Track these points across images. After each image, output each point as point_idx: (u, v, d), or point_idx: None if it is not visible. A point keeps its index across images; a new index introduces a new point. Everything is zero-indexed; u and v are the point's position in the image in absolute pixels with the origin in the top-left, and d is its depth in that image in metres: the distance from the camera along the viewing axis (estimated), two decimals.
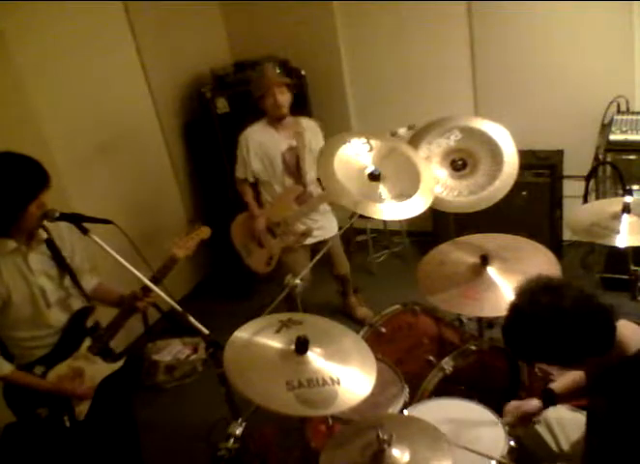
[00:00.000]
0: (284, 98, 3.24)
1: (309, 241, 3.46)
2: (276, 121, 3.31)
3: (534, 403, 2.01)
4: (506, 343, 1.59)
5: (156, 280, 2.10)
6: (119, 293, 2.35)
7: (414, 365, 2.49)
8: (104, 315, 2.37)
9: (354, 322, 3.79)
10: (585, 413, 1.96)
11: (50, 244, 2.17)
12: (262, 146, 3.32)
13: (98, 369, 2.24)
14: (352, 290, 3.94)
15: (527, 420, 2.01)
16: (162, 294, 1.96)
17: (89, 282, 2.35)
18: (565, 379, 2.04)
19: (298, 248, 3.45)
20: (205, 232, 2.40)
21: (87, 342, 2.24)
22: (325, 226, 3.51)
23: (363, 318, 3.79)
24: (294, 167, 3.35)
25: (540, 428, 2.01)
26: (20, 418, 2.19)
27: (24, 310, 2.11)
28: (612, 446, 1.59)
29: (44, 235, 2.16)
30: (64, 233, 2.23)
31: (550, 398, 2.00)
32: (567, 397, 2.02)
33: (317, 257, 2.60)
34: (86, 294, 2.29)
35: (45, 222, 2.09)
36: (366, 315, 3.81)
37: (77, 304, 2.28)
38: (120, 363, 2.31)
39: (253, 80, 3.39)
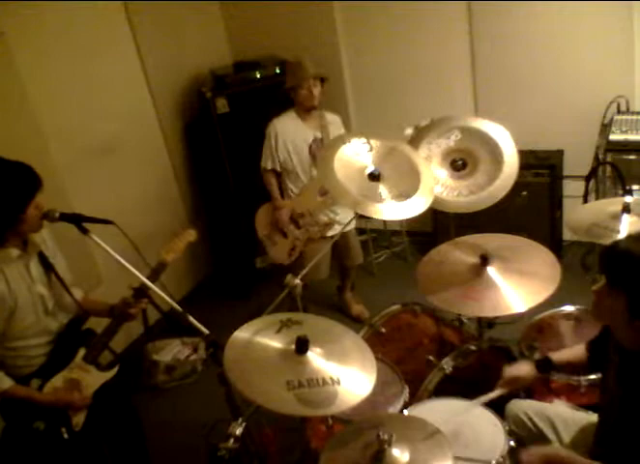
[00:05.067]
0: (318, 90, 3.29)
1: (331, 232, 3.46)
2: (304, 112, 3.35)
3: (528, 369, 2.05)
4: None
5: (146, 287, 2.07)
6: (106, 303, 2.34)
7: (414, 365, 2.49)
8: (99, 323, 2.37)
9: (349, 319, 3.82)
10: (588, 412, 1.98)
11: (39, 251, 2.18)
12: (290, 136, 3.35)
13: (93, 379, 2.22)
14: (350, 286, 3.95)
15: (518, 386, 2.07)
16: (162, 292, 1.96)
17: (76, 294, 2.35)
18: (565, 352, 2.08)
19: (319, 240, 3.45)
20: (192, 235, 2.40)
21: (82, 352, 2.23)
22: (346, 219, 3.50)
23: (358, 315, 3.84)
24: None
25: (543, 425, 2.01)
26: (17, 431, 2.16)
27: (27, 318, 2.11)
28: (625, 435, 1.61)
29: (38, 239, 2.16)
30: (48, 242, 2.23)
31: (546, 366, 2.04)
32: (563, 369, 2.07)
33: (321, 254, 2.60)
34: (77, 301, 2.29)
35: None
36: (361, 312, 3.85)
37: (70, 310, 2.29)
38: (114, 371, 2.30)
39: (289, 68, 3.41)
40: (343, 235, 3.50)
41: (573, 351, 2.07)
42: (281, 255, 3.52)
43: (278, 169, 3.42)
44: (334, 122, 3.45)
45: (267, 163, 3.41)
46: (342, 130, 3.47)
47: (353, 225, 3.59)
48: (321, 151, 3.16)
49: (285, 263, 3.52)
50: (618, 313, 1.56)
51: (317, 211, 3.40)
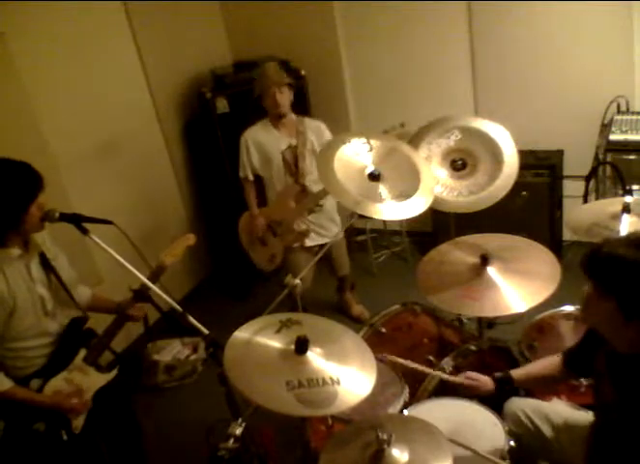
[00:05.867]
0: (283, 97, 3.24)
1: (311, 243, 3.46)
2: (276, 119, 3.32)
3: (487, 383, 2.06)
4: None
5: (146, 289, 2.07)
6: (114, 301, 2.35)
7: None
8: (99, 325, 2.37)
9: (349, 319, 3.82)
10: (587, 411, 1.98)
11: (40, 251, 2.18)
12: (262, 145, 3.34)
13: (92, 381, 2.22)
14: (349, 287, 3.95)
15: (474, 388, 2.08)
16: (162, 293, 1.96)
17: (83, 293, 2.35)
18: (526, 368, 2.09)
19: (301, 250, 3.46)
20: (190, 239, 2.40)
21: (82, 353, 2.23)
22: (330, 229, 3.52)
23: (359, 316, 3.84)
24: (293, 166, 3.36)
25: (541, 424, 2.01)
26: (17, 432, 2.16)
27: (27, 319, 2.10)
28: (620, 440, 1.61)
29: (39, 240, 2.16)
30: (48, 243, 2.23)
31: (504, 383, 2.04)
32: (525, 385, 2.08)
33: (315, 260, 2.61)
34: (77, 303, 2.29)
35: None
36: (362, 313, 3.85)
37: (70, 312, 2.29)
38: (113, 373, 2.29)
39: (255, 79, 3.40)
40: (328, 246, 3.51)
41: (537, 365, 2.07)
42: (262, 262, 3.54)
43: (251, 178, 3.42)
44: (314, 128, 3.38)
45: (241, 172, 3.44)
46: (325, 136, 3.40)
47: (338, 236, 3.58)
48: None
49: (267, 270, 3.55)
50: (609, 316, 1.55)
51: (291, 218, 3.38)
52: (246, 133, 3.38)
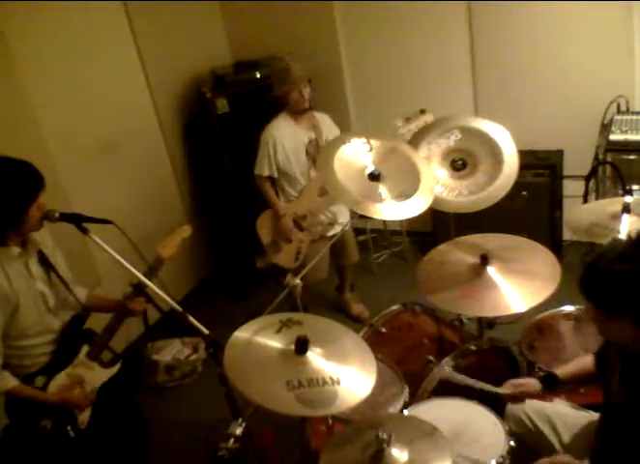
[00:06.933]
0: (307, 91, 3.28)
1: (332, 231, 3.45)
2: (297, 114, 3.33)
3: (534, 384, 2.03)
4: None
5: (144, 284, 2.06)
6: (112, 300, 2.35)
7: (414, 365, 2.49)
8: (98, 325, 2.37)
9: (349, 319, 3.82)
10: (588, 411, 1.98)
11: (39, 249, 2.18)
12: (287, 140, 3.33)
13: (96, 375, 2.23)
14: (349, 286, 3.95)
15: (521, 398, 2.04)
16: (162, 292, 1.96)
17: (79, 293, 2.36)
18: (570, 365, 2.06)
19: (320, 240, 3.45)
20: (186, 231, 2.41)
21: (85, 349, 2.24)
22: (346, 216, 3.52)
23: (358, 315, 3.84)
24: (316, 158, 3.35)
25: (542, 425, 2.01)
26: (24, 430, 2.17)
27: (30, 316, 2.11)
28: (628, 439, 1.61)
29: (39, 238, 2.16)
30: (47, 240, 2.23)
31: (552, 383, 2.02)
32: (569, 384, 2.05)
33: (324, 249, 2.60)
34: (78, 299, 2.30)
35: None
36: (361, 312, 3.85)
37: (72, 308, 2.29)
38: (117, 368, 2.30)
39: (276, 74, 3.38)
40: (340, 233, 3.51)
41: (579, 363, 2.04)
42: (288, 261, 3.45)
43: (275, 176, 3.38)
44: (323, 120, 3.44)
45: (263, 170, 3.36)
46: (334, 128, 3.47)
47: (348, 222, 3.58)
48: (321, 151, 3.17)
49: (291, 267, 3.43)
50: (626, 332, 1.53)
51: (318, 211, 3.38)
52: (270, 130, 3.32)
